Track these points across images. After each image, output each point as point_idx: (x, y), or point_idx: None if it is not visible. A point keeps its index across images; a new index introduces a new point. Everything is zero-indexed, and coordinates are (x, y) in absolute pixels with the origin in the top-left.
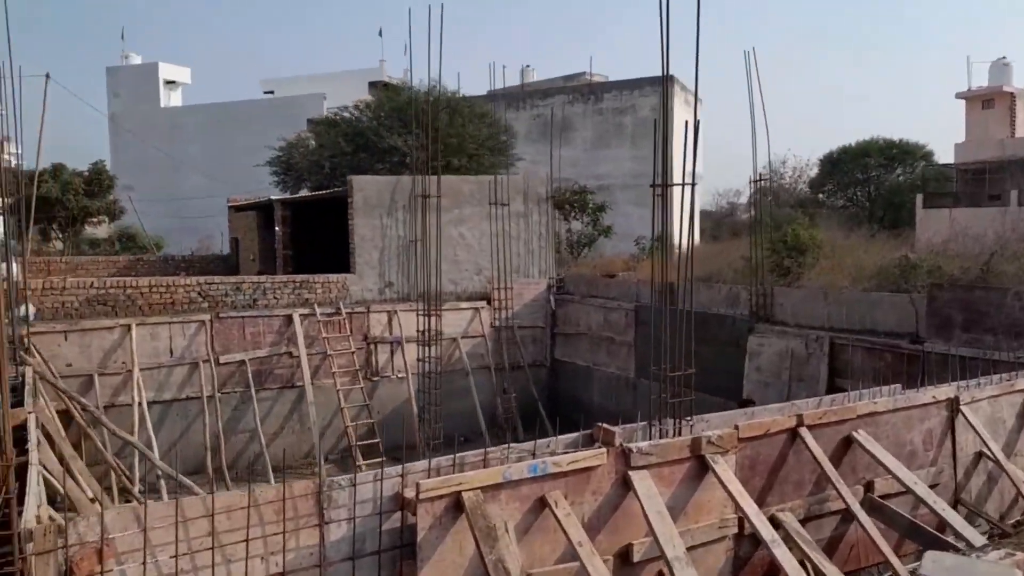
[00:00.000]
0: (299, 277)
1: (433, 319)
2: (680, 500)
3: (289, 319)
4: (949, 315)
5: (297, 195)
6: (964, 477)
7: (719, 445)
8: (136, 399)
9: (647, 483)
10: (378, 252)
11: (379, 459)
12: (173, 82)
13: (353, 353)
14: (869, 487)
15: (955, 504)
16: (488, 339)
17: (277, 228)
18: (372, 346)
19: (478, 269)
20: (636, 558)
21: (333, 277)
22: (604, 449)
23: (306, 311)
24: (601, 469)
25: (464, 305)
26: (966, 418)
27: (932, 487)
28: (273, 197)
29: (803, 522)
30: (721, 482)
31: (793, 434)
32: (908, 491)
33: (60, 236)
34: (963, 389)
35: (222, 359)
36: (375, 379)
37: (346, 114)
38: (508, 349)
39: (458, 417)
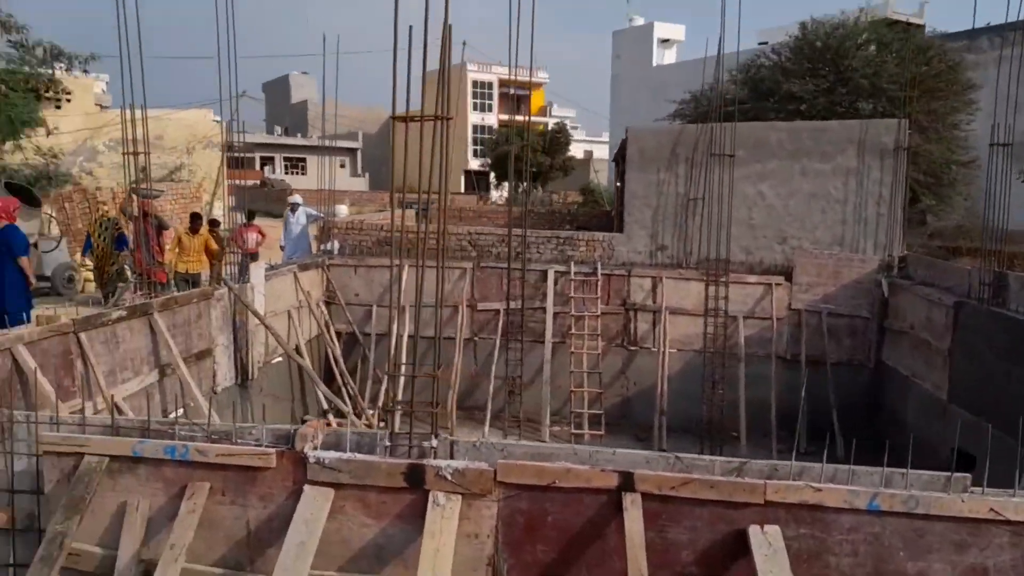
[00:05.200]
0: (564, 233)
1: (709, 291)
2: (397, 542)
3: (545, 274)
4: None
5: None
6: None
7: (457, 483)
8: (396, 331)
9: (316, 504)
10: (651, 211)
11: (599, 431)
12: (667, 40)
13: (599, 316)
14: None
15: None
16: (784, 323)
17: (617, 183)
18: (632, 313)
19: (781, 237)
20: None
21: (599, 235)
22: (272, 450)
23: (563, 268)
24: (272, 473)
25: (753, 279)
26: None
27: None
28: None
29: None
30: (426, 530)
31: (619, 498)
32: None
33: (523, 189)
34: None
35: (480, 306)
36: (632, 348)
37: (763, 59)
38: (809, 339)
39: (725, 407)
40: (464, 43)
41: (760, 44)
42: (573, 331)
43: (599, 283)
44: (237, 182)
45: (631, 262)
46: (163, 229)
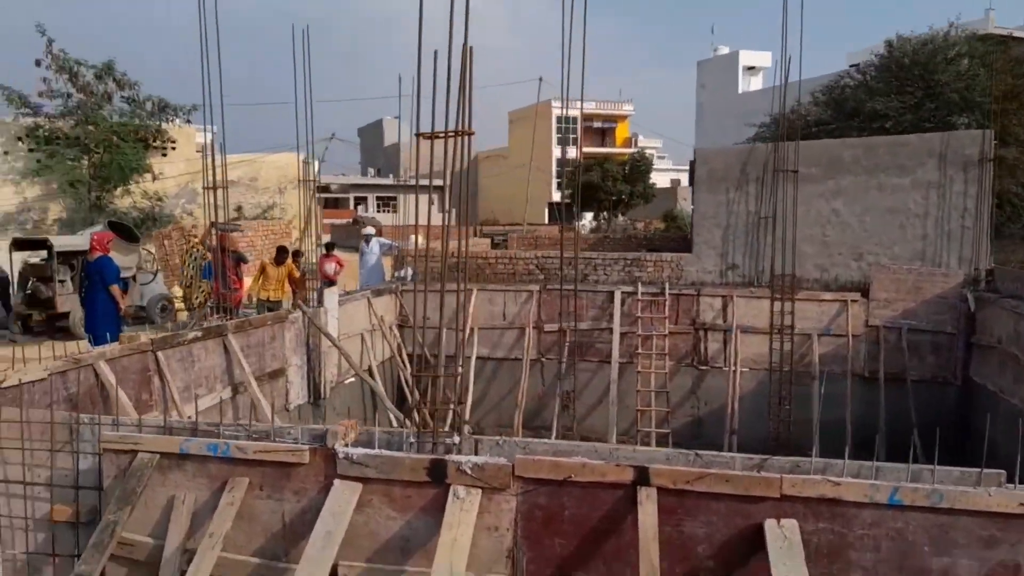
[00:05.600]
0: (630, 255)
1: (781, 309)
2: (421, 534)
3: (612, 295)
4: None
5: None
6: None
7: (477, 477)
8: (463, 353)
9: (344, 497)
10: (721, 231)
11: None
12: (753, 68)
13: (666, 336)
14: None
15: None
16: (861, 340)
17: (692, 207)
18: (702, 332)
19: (857, 254)
20: None
21: (667, 256)
22: (305, 447)
23: (630, 289)
24: (305, 469)
25: (827, 296)
26: None
27: None
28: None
29: None
30: (445, 522)
31: (634, 493)
32: None
33: (605, 217)
34: None
35: (546, 327)
36: (703, 368)
37: (847, 79)
38: (888, 356)
39: (797, 426)
40: (540, 79)
41: (851, 67)
42: (640, 351)
43: (667, 303)
44: (328, 221)
45: (700, 281)
46: (242, 262)
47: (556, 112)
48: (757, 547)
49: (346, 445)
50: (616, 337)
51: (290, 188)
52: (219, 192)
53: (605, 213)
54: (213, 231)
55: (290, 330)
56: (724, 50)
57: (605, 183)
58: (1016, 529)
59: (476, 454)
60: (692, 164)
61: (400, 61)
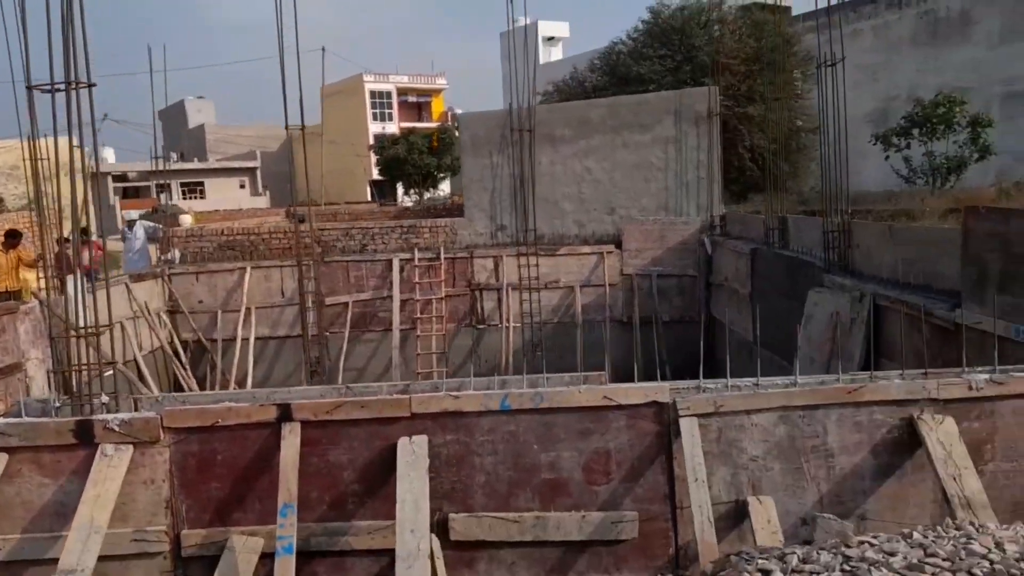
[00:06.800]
0: (407, 222)
1: (537, 264)
2: (76, 498)
3: (390, 264)
4: (986, 264)
5: None
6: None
7: (126, 433)
8: (240, 335)
9: None
10: (488, 194)
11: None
12: (552, 38)
13: (444, 300)
14: (444, 525)
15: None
16: (618, 288)
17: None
18: (477, 293)
19: (609, 208)
20: None
21: (441, 221)
22: None
23: (407, 256)
24: None
25: (586, 249)
26: (682, 439)
27: (602, 544)
28: None
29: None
30: (89, 480)
31: (280, 429)
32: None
33: (413, 192)
34: (684, 392)
35: (328, 300)
36: (480, 327)
37: (620, 45)
38: (642, 301)
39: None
40: (323, 48)
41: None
42: (420, 316)
43: (443, 267)
44: (128, 212)
45: (474, 244)
46: None
47: (369, 87)
48: (394, 465)
49: None
50: (396, 304)
51: (63, 176)
52: None
53: (415, 188)
54: None
55: (24, 322)
56: (523, 20)
57: (412, 156)
58: (604, 420)
59: (137, 412)
60: (457, 129)
61: (196, 36)
